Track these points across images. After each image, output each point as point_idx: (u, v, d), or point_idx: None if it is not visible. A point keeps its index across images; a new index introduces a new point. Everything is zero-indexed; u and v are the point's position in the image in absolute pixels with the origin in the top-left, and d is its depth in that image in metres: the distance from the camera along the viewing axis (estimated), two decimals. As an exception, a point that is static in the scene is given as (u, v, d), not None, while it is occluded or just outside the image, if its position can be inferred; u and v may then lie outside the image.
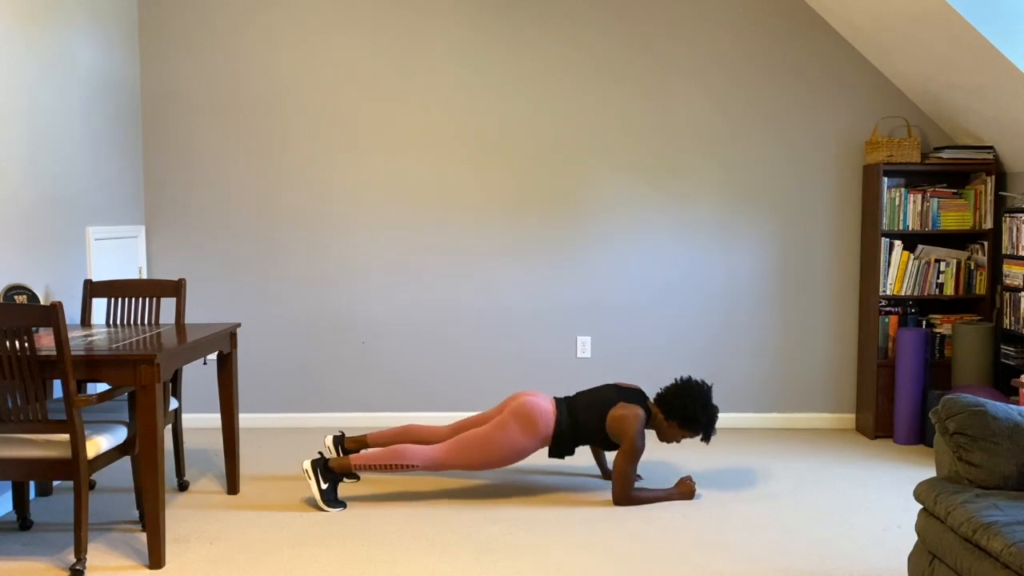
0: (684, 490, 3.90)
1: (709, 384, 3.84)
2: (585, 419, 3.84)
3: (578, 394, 3.96)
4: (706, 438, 3.87)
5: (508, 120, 5.07)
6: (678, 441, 3.92)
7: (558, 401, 3.90)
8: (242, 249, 5.13)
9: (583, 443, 3.89)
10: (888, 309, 4.96)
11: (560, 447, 3.87)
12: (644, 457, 4.54)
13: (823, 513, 3.75)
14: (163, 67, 5.05)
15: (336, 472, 3.78)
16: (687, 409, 3.80)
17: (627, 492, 3.80)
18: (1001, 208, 4.85)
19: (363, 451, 4.04)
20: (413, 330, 5.17)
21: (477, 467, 3.81)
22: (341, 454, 4.07)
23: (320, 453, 3.88)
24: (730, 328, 5.17)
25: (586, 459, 4.52)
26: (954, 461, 2.70)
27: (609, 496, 3.93)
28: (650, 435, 4.98)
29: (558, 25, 5.03)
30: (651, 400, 3.96)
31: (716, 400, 5.20)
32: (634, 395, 3.90)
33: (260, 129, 5.08)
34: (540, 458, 4.54)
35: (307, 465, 3.76)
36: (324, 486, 3.75)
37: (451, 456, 3.78)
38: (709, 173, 5.10)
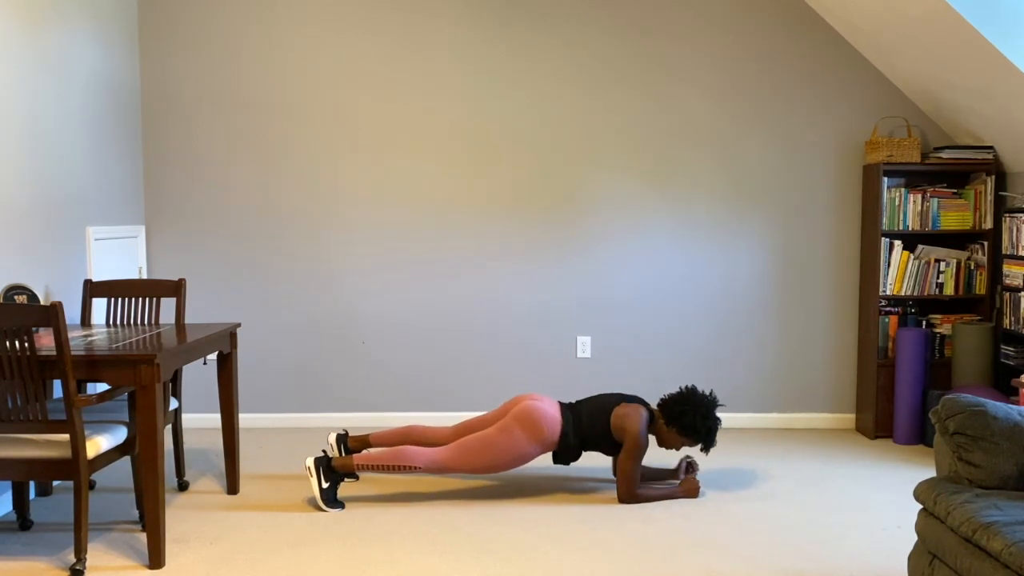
0: (688, 488, 3.91)
1: (714, 397, 3.88)
2: (590, 423, 3.85)
3: (580, 401, 3.98)
4: (705, 448, 3.88)
5: (508, 120, 5.07)
6: (676, 448, 3.93)
7: (563, 407, 3.90)
8: (242, 249, 5.13)
9: (589, 449, 3.89)
10: (888, 309, 4.96)
11: (566, 455, 3.88)
12: (647, 454, 4.54)
13: (823, 513, 3.75)
14: (163, 67, 5.05)
15: (338, 472, 3.78)
16: (687, 416, 3.81)
17: (631, 490, 3.81)
18: (1001, 208, 4.85)
19: (366, 451, 4.04)
20: (413, 330, 5.17)
21: (480, 471, 3.81)
22: (344, 453, 4.07)
23: (324, 451, 3.88)
24: (730, 328, 5.17)
25: (586, 460, 4.52)
26: (954, 461, 2.70)
27: (610, 495, 3.93)
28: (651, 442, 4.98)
29: (558, 26, 5.03)
30: (654, 406, 3.97)
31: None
32: (636, 399, 3.94)
33: (260, 129, 5.08)
34: (540, 459, 4.54)
35: (310, 462, 3.77)
36: (325, 485, 3.75)
37: (454, 459, 3.78)
38: (709, 173, 5.10)
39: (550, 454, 4.56)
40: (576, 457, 3.90)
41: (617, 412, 3.83)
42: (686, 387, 3.92)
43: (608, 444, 3.86)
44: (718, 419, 3.85)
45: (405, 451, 3.78)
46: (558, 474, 4.28)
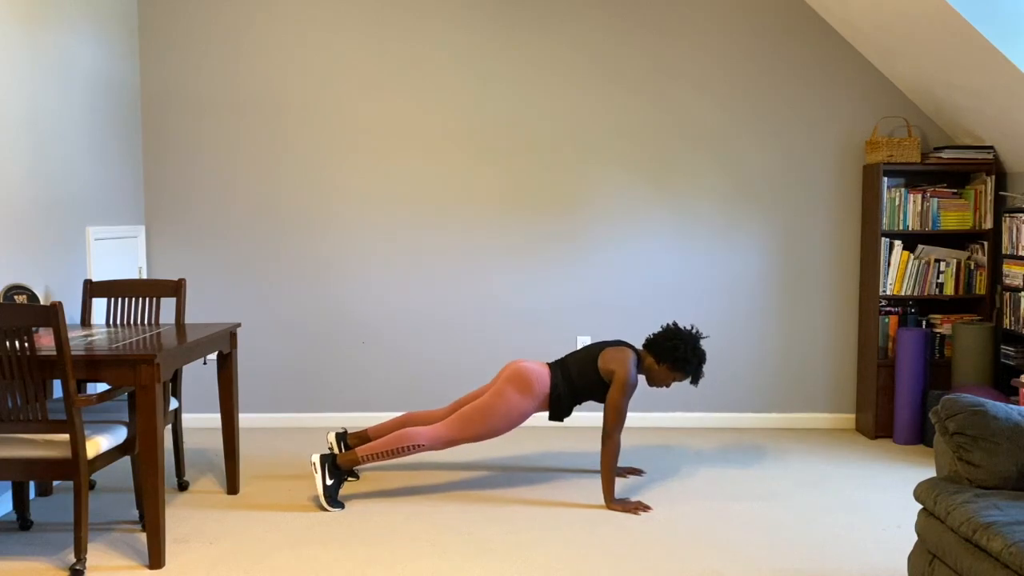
0: (625, 507, 3.77)
1: (697, 330, 3.93)
2: (579, 372, 3.90)
3: (566, 356, 4.02)
4: (695, 380, 3.92)
5: (507, 120, 5.07)
6: (667, 385, 3.96)
7: (551, 365, 3.97)
8: (242, 249, 5.13)
9: (581, 399, 3.93)
10: (888, 309, 4.96)
11: (559, 406, 3.91)
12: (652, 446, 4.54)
13: (823, 513, 3.75)
14: (163, 67, 5.05)
15: (343, 469, 3.79)
16: (678, 351, 3.85)
17: (617, 427, 3.78)
18: (1001, 208, 4.85)
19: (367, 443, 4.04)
20: (413, 330, 5.17)
21: (481, 436, 3.84)
22: (344, 451, 4.07)
23: (330, 448, 3.89)
24: (730, 328, 5.17)
25: (587, 459, 4.53)
26: (954, 461, 2.70)
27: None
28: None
29: (558, 26, 5.03)
30: (640, 348, 3.98)
31: (716, 400, 5.20)
32: (622, 343, 3.99)
33: (260, 129, 5.08)
34: (541, 458, 4.55)
35: (315, 458, 3.77)
36: (329, 482, 3.76)
37: (454, 430, 3.82)
38: (709, 173, 5.10)
39: (551, 445, 4.56)
40: (569, 411, 3.93)
41: (604, 355, 3.89)
42: (668, 324, 3.93)
43: (600, 389, 3.88)
44: (704, 351, 3.90)
45: (405, 433, 3.81)
46: (559, 473, 4.28)
